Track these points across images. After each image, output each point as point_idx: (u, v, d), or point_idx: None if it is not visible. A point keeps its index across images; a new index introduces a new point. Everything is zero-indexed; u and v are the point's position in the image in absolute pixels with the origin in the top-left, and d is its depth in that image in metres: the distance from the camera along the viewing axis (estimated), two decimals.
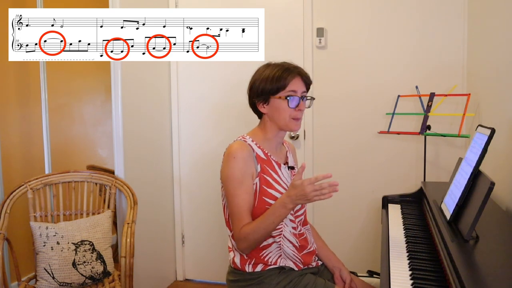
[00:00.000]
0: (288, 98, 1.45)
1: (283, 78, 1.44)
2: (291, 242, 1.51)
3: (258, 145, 1.51)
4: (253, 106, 1.53)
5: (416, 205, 2.02)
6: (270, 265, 1.48)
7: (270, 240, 1.48)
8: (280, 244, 1.49)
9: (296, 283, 1.46)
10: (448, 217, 1.40)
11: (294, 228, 1.53)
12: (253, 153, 1.47)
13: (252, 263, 1.48)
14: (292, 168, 1.61)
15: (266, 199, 1.46)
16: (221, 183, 1.54)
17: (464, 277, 0.98)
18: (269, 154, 1.52)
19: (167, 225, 2.91)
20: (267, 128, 1.53)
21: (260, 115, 1.56)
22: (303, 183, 1.27)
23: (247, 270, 1.48)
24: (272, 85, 1.45)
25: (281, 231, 1.50)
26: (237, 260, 1.50)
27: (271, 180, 1.48)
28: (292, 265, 1.51)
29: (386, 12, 2.52)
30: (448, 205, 1.46)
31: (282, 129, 1.52)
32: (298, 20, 2.67)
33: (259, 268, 1.47)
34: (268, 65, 1.51)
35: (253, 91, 1.49)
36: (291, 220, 1.53)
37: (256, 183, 1.46)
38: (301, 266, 1.53)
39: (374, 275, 1.82)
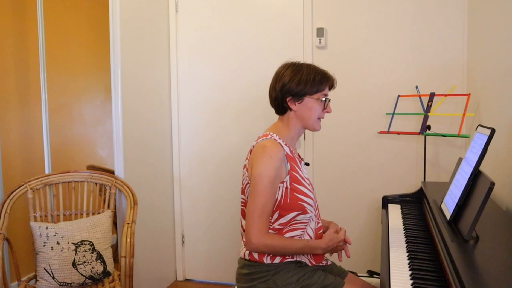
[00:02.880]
0: (325, 100, 1.56)
1: (323, 83, 1.55)
2: (310, 237, 1.56)
3: (285, 143, 1.55)
4: (281, 102, 1.56)
5: (416, 205, 2.02)
6: (287, 258, 1.51)
7: (292, 234, 1.52)
8: (301, 238, 1.53)
9: (310, 276, 1.50)
10: (448, 217, 1.40)
11: (315, 222, 1.58)
12: (284, 152, 1.50)
13: (270, 255, 1.50)
14: (307, 164, 1.68)
15: (298, 195, 1.50)
16: (247, 180, 1.54)
17: (464, 277, 0.98)
18: (293, 151, 1.57)
19: (167, 225, 2.91)
20: (291, 125, 1.58)
21: (283, 112, 1.59)
22: (340, 235, 1.56)
23: (265, 262, 1.50)
24: (312, 87, 1.53)
25: (306, 225, 1.54)
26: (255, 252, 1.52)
27: (298, 177, 1.52)
28: (306, 261, 1.56)
29: (386, 12, 2.52)
30: (448, 205, 1.46)
31: (306, 128, 1.60)
32: (298, 20, 2.67)
33: (277, 260, 1.50)
34: (299, 66, 1.56)
35: (288, 89, 1.53)
36: (315, 215, 1.58)
37: (287, 181, 1.49)
38: (314, 263, 1.58)
39: (374, 275, 1.82)
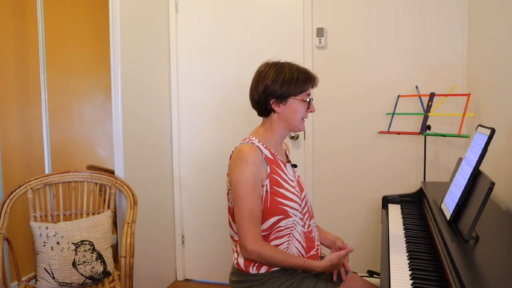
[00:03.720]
0: (308, 100, 1.52)
1: (307, 82, 1.51)
2: (299, 242, 1.52)
3: (265, 146, 1.51)
4: (264, 104, 1.51)
5: (416, 205, 2.02)
6: (274, 267, 1.48)
7: (278, 242, 1.49)
8: (288, 245, 1.50)
9: (298, 285, 1.46)
10: (448, 217, 1.40)
11: (303, 226, 1.54)
12: (262, 155, 1.47)
13: (256, 265, 1.48)
14: (295, 166, 1.62)
15: (278, 199, 1.47)
16: (228, 186, 1.52)
17: (464, 277, 0.98)
18: (275, 154, 1.53)
19: (167, 225, 2.91)
20: (274, 127, 1.54)
21: (266, 114, 1.54)
22: (341, 259, 1.50)
23: (251, 272, 1.48)
24: (296, 88, 1.49)
25: (291, 230, 1.50)
26: (241, 262, 1.50)
27: (280, 180, 1.49)
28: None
29: (386, 12, 2.52)
30: (448, 205, 1.46)
31: (291, 129, 1.55)
32: (298, 20, 2.67)
33: (263, 270, 1.48)
34: (280, 66, 1.51)
35: (271, 90, 1.49)
36: (300, 219, 1.53)
37: (266, 184, 1.46)
38: None
39: (374, 275, 1.82)
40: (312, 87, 1.56)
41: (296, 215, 1.50)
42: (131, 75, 2.47)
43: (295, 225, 1.50)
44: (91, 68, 3.44)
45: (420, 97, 2.33)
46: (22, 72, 2.78)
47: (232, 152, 1.51)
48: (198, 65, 2.87)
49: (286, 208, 1.47)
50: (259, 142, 1.51)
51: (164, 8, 2.84)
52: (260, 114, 1.57)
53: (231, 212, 1.54)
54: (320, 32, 2.61)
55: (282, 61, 1.54)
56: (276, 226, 1.48)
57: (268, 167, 1.47)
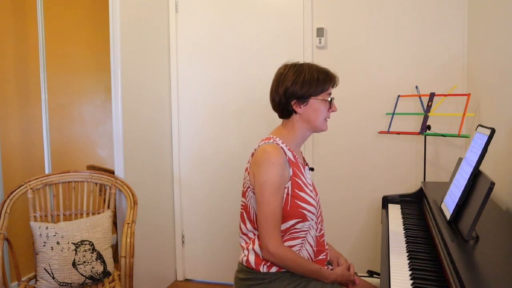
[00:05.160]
0: (330, 99, 1.52)
1: (327, 82, 1.51)
2: (311, 246, 1.53)
3: (288, 147, 1.50)
4: (285, 106, 1.51)
5: (416, 205, 2.02)
6: (290, 270, 1.49)
7: (291, 243, 1.49)
8: (300, 248, 1.50)
9: (305, 285, 1.47)
10: (448, 217, 1.40)
11: (316, 229, 1.54)
12: (286, 157, 1.46)
13: (267, 264, 1.48)
14: (312, 169, 1.63)
15: (299, 202, 1.46)
16: (247, 184, 1.51)
17: (464, 277, 0.98)
18: (296, 156, 1.52)
19: (167, 225, 2.91)
20: (296, 129, 1.53)
21: (288, 115, 1.54)
22: (351, 274, 1.57)
23: (261, 270, 1.47)
24: (316, 87, 1.49)
25: (306, 233, 1.50)
26: (252, 259, 1.49)
27: (301, 183, 1.49)
28: None
29: (386, 12, 2.52)
30: (448, 205, 1.46)
31: (313, 130, 1.55)
32: (298, 20, 2.67)
33: (273, 269, 1.48)
34: (300, 66, 1.51)
35: (292, 92, 1.48)
36: (315, 222, 1.54)
37: (288, 186, 1.45)
38: None
39: (374, 275, 1.82)
40: (333, 86, 1.55)
41: (312, 219, 1.51)
42: (131, 75, 2.47)
43: (310, 228, 1.51)
44: (91, 68, 3.44)
45: (420, 97, 2.33)
46: (22, 72, 2.78)
47: (255, 150, 1.49)
48: (198, 65, 2.87)
49: (305, 211, 1.47)
50: (282, 143, 1.49)
51: (164, 8, 2.84)
52: (281, 116, 1.56)
53: (248, 210, 1.53)
54: (320, 32, 2.61)
55: (301, 62, 1.54)
56: (292, 228, 1.48)
57: (291, 169, 1.47)
